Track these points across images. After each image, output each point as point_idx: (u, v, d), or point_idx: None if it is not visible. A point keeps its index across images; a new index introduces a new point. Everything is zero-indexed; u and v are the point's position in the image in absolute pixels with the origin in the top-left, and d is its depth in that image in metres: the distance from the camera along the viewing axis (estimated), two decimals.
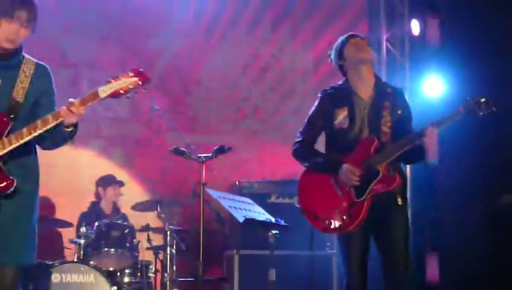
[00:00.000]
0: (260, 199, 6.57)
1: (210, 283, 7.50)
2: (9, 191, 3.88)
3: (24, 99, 4.01)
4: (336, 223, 4.58)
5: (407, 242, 4.57)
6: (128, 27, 9.02)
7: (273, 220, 5.46)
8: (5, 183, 3.87)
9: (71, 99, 3.94)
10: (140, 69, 3.96)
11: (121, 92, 3.95)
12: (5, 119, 3.93)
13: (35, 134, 3.89)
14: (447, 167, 6.95)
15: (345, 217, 4.54)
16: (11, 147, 3.88)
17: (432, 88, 8.02)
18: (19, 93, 4.01)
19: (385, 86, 4.85)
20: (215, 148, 5.89)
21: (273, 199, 7.32)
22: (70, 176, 8.51)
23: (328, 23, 9.21)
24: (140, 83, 3.93)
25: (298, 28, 9.47)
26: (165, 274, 7.20)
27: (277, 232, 5.37)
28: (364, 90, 4.73)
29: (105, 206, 7.97)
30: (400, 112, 4.71)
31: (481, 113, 4.42)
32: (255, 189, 7.39)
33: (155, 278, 7.38)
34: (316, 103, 4.87)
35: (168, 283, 7.15)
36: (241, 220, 5.28)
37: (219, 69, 9.32)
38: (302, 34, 9.47)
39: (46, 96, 4.13)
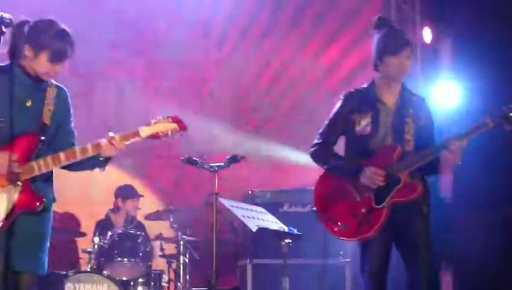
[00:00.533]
0: (273, 208, 6.55)
1: None
2: (39, 209, 4.06)
3: (50, 122, 4.18)
4: (352, 229, 4.48)
5: (430, 250, 4.47)
6: (139, 37, 9.05)
7: (286, 229, 5.44)
8: (36, 202, 4.04)
9: (111, 134, 4.16)
10: (180, 118, 4.31)
11: (160, 134, 4.23)
12: (36, 140, 4.08)
13: (73, 161, 4.12)
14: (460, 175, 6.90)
15: (362, 223, 4.45)
16: (46, 169, 4.07)
17: (445, 97, 7.98)
18: (47, 115, 4.17)
19: (410, 93, 4.73)
20: (227, 157, 5.89)
21: (285, 208, 7.31)
22: (84, 187, 8.53)
23: (339, 31, 9.20)
24: (178, 129, 4.27)
25: (309, 37, 9.46)
26: (178, 284, 7.21)
27: (290, 241, 5.35)
28: (390, 97, 4.64)
29: (122, 217, 7.96)
30: (423, 120, 4.63)
31: (509, 128, 4.30)
32: (268, 198, 7.38)
33: (168, 287, 7.38)
34: (338, 105, 4.75)
35: None
36: (254, 229, 5.27)
37: (230, 79, 9.34)
38: (312, 43, 9.46)
39: (66, 118, 4.31)
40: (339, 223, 4.56)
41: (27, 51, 4.08)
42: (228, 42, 9.34)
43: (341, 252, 7.24)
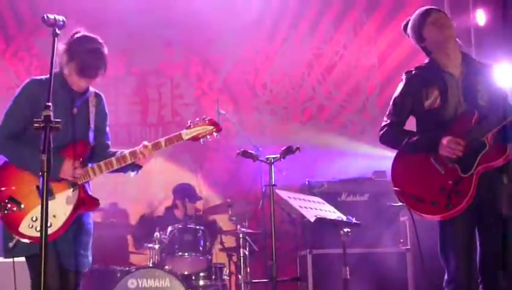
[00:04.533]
0: (330, 198, 6.52)
1: (284, 284, 7.50)
2: (94, 210, 4.45)
3: (94, 127, 4.44)
4: (442, 204, 4.28)
5: (509, 234, 4.28)
6: (191, 33, 9.13)
7: (344, 218, 5.42)
8: (94, 204, 4.36)
9: (146, 142, 4.46)
10: (215, 120, 4.65)
11: (200, 136, 4.58)
12: (89, 146, 4.37)
13: (123, 165, 4.41)
14: None
15: (451, 196, 4.26)
16: (100, 174, 4.37)
17: (500, 80, 7.81)
18: (91, 121, 4.42)
19: (473, 60, 4.64)
20: (283, 149, 5.88)
21: (343, 198, 7.27)
22: (143, 183, 8.64)
23: (391, 16, 9.13)
24: (215, 131, 4.57)
25: (360, 24, 9.41)
26: (239, 276, 7.25)
27: (349, 230, 5.32)
28: (454, 67, 4.53)
29: (181, 212, 8.02)
30: (494, 85, 4.53)
31: None
32: (325, 188, 7.34)
33: (229, 280, 7.43)
34: (402, 85, 4.66)
35: (242, 284, 7.19)
36: (312, 219, 5.25)
37: (283, 70, 9.34)
38: (365, 30, 9.41)
39: (103, 122, 4.58)
40: (426, 201, 4.35)
41: (63, 55, 4.26)
42: (279, 34, 9.35)
43: (401, 240, 7.18)
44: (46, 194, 3.37)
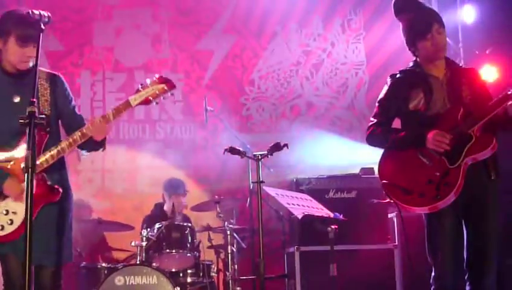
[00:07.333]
0: (318, 195, 6.53)
1: (272, 281, 7.50)
2: (56, 200, 4.14)
3: (50, 111, 4.23)
4: (429, 195, 4.28)
5: (496, 229, 4.33)
6: (179, 29, 9.11)
7: (331, 215, 5.42)
8: (53, 194, 4.11)
9: (97, 118, 4.17)
10: (165, 76, 4.21)
11: (150, 98, 4.17)
12: (43, 134, 4.08)
13: (74, 147, 4.16)
14: None
15: (439, 187, 4.26)
16: (53, 160, 4.11)
17: (488, 77, 7.84)
18: (45, 106, 4.21)
19: (455, 63, 4.74)
20: (270, 145, 5.87)
21: (331, 194, 7.27)
22: (130, 180, 8.62)
23: (379, 13, 9.13)
24: (167, 89, 4.17)
25: (349, 21, 9.41)
26: (227, 273, 7.24)
27: (336, 227, 5.33)
28: (437, 70, 4.59)
29: (168, 209, 8.00)
30: (478, 86, 4.58)
31: None
32: (313, 185, 7.34)
33: (217, 277, 7.41)
34: (386, 88, 4.69)
35: (230, 281, 7.18)
36: (299, 216, 5.26)
37: (271, 67, 9.33)
38: (353, 27, 9.41)
39: (66, 104, 4.36)
40: (414, 192, 4.34)
41: None
42: (267, 30, 9.33)
43: (389, 237, 7.19)
44: (31, 191, 3.31)
